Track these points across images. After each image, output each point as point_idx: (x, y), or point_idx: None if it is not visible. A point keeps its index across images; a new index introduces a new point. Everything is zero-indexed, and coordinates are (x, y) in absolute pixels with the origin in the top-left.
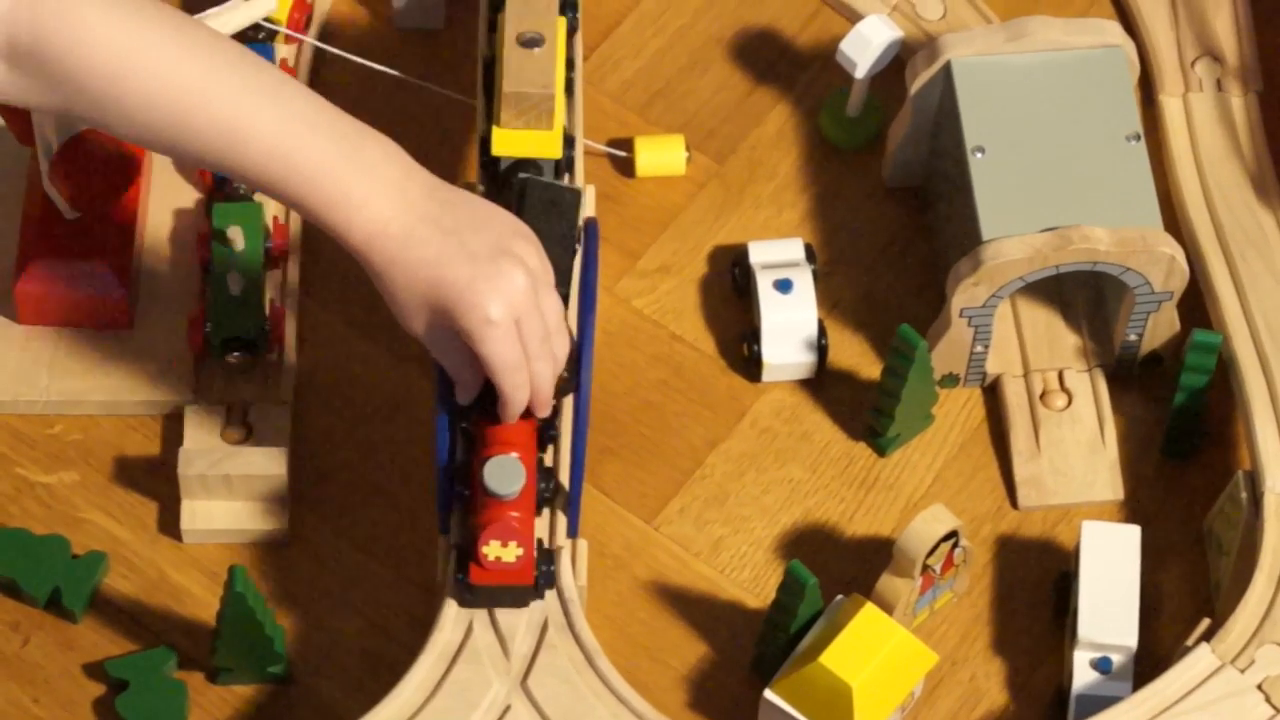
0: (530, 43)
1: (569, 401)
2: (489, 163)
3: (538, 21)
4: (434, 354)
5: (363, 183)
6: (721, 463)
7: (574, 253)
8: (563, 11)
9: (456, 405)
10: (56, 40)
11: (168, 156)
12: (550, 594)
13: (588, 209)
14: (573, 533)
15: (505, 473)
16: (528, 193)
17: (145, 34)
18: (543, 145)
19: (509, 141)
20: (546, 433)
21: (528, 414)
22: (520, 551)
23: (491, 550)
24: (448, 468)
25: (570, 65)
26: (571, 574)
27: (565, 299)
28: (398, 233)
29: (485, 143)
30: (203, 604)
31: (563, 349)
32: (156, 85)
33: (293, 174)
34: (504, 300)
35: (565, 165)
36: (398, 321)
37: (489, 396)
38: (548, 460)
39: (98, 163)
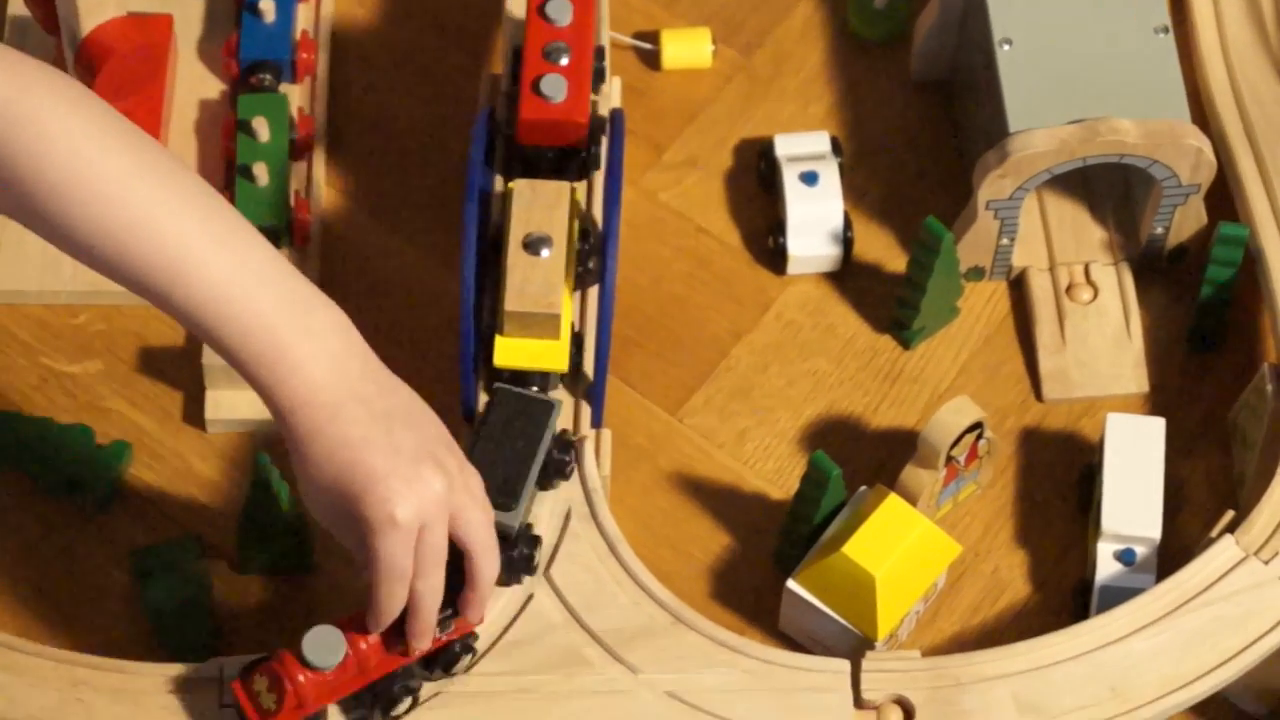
0: (536, 244)
1: (594, 292)
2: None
3: (547, 215)
4: (335, 535)
5: (302, 346)
6: (746, 355)
7: (531, 468)
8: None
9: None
10: (10, 146)
11: (111, 279)
12: (573, 483)
13: (614, 100)
14: (596, 423)
15: (325, 644)
16: (499, 401)
17: (102, 156)
18: (548, 357)
19: (512, 352)
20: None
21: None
22: (274, 701)
23: (259, 685)
24: (472, 357)
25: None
26: (595, 464)
27: (509, 518)
28: (327, 403)
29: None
30: (226, 493)
31: (489, 567)
32: (103, 209)
33: (230, 322)
34: (415, 505)
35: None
36: (301, 496)
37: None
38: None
39: (123, 52)
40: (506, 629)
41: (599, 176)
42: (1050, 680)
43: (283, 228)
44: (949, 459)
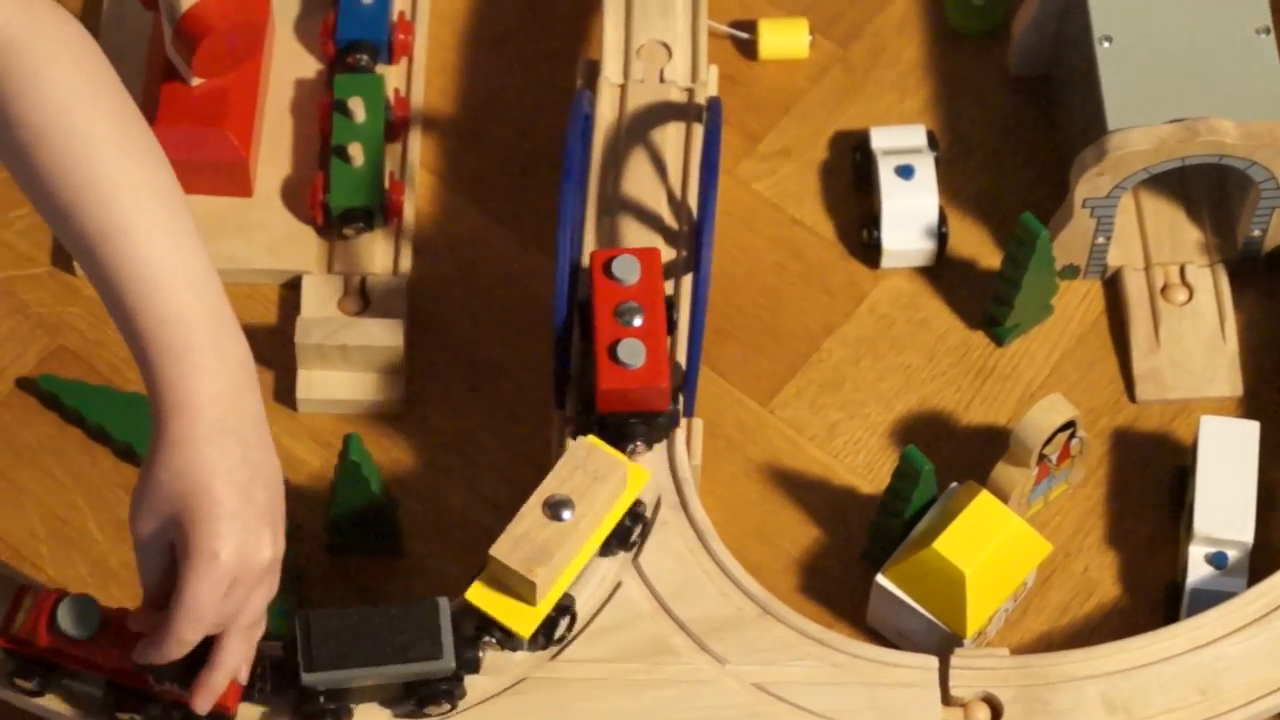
0: (558, 507)
1: (688, 280)
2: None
3: (586, 483)
4: (137, 554)
5: (210, 359)
6: (838, 348)
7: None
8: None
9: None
10: (11, 83)
11: (58, 234)
12: (664, 471)
13: (711, 89)
14: (689, 412)
15: (79, 614)
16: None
17: (88, 116)
18: (516, 618)
19: (484, 596)
20: None
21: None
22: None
23: (28, 601)
24: (565, 341)
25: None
26: (686, 453)
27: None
28: (212, 420)
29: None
30: (317, 474)
31: (234, 657)
32: (72, 162)
33: (153, 307)
34: (241, 554)
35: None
36: (137, 493)
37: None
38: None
39: (222, 29)
40: (594, 616)
41: (695, 165)
42: (1140, 682)
43: (376, 208)
44: (1041, 457)
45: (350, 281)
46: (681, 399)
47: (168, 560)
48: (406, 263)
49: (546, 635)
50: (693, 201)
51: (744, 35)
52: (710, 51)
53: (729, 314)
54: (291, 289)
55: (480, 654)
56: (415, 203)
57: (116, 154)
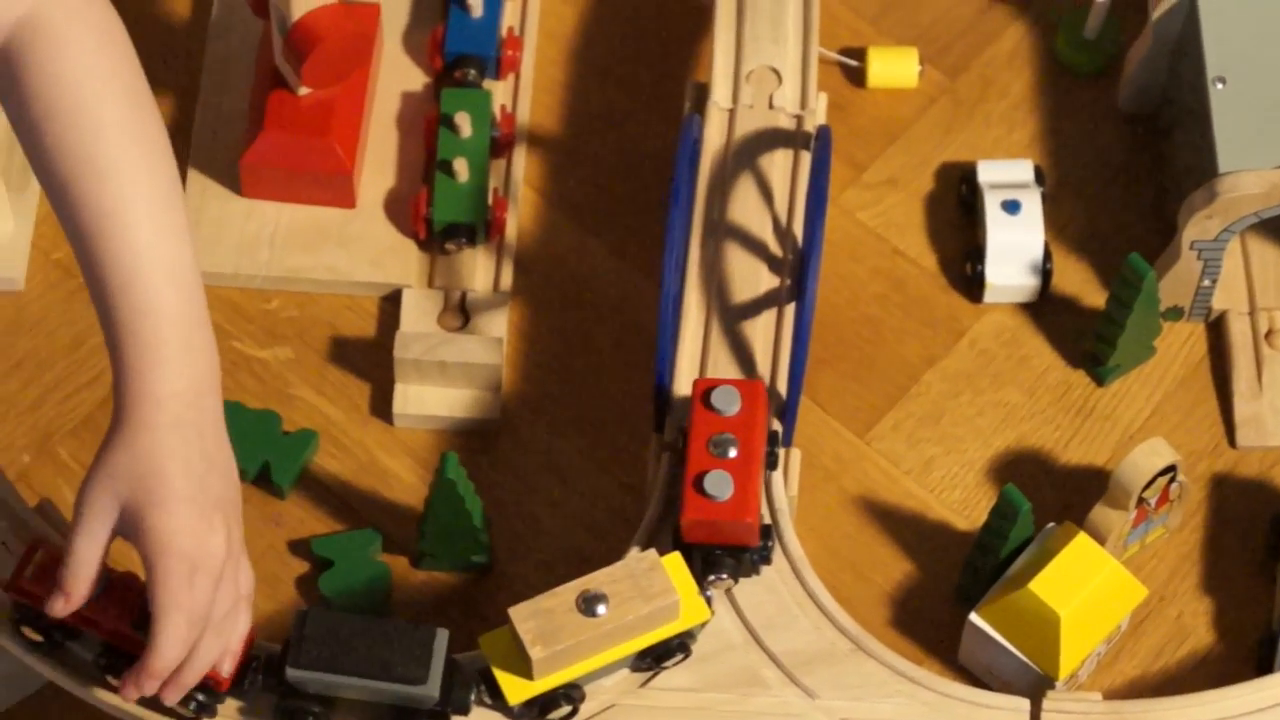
0: (593, 601)
1: (790, 309)
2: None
3: (629, 594)
4: (77, 522)
5: (178, 355)
6: (937, 381)
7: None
8: None
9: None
10: (33, 56)
11: (53, 208)
12: (761, 502)
13: (819, 117)
14: (787, 441)
15: None
16: (308, 621)
17: (99, 98)
18: (511, 682)
19: (495, 649)
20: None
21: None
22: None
23: (40, 558)
24: (668, 365)
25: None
26: (783, 483)
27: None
28: (173, 411)
29: None
30: (410, 488)
31: (170, 649)
32: (75, 137)
33: (133, 294)
34: (195, 538)
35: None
36: (93, 472)
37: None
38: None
39: (331, 41)
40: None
41: (801, 193)
42: None
43: (479, 224)
44: (1140, 501)
45: (450, 297)
46: (774, 534)
47: (105, 538)
48: (507, 280)
49: (541, 711)
50: (798, 229)
51: (853, 63)
52: (819, 78)
53: (829, 343)
54: (391, 302)
55: (472, 698)
56: (518, 220)
57: (121, 138)
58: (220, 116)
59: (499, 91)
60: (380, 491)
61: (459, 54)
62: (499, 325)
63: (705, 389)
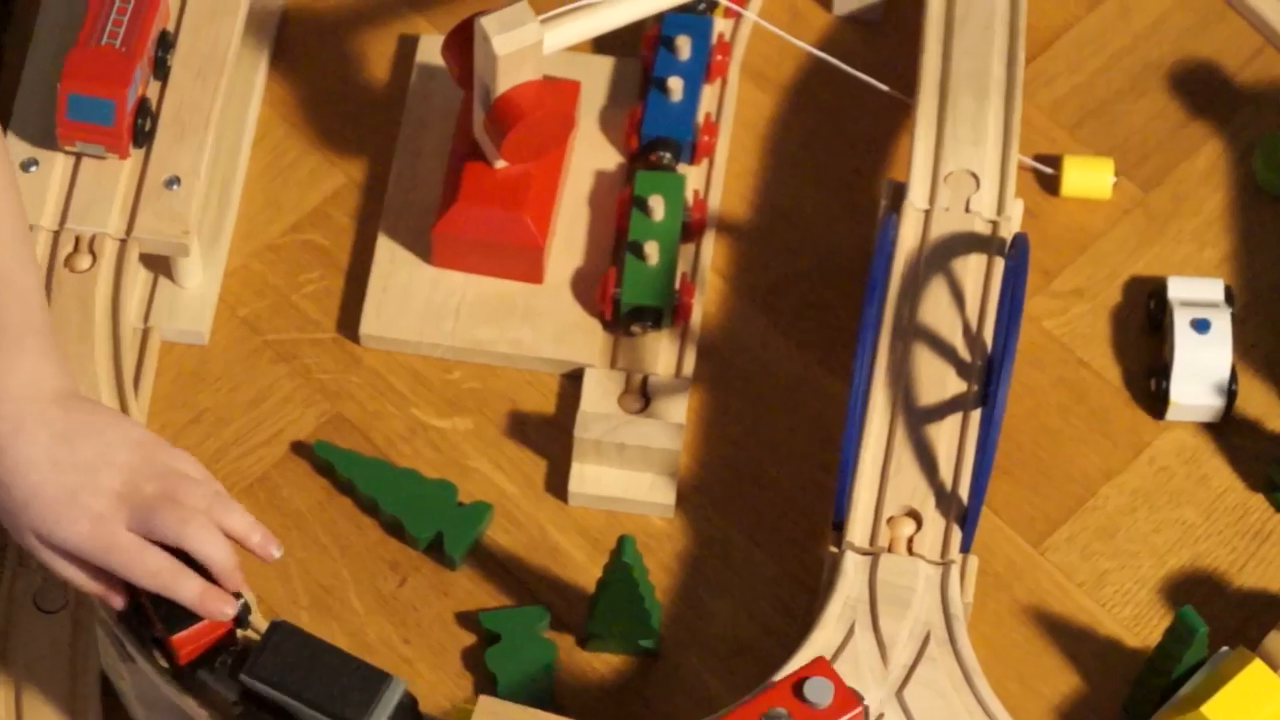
0: None
1: (976, 415)
2: None
3: None
4: (55, 573)
5: (10, 354)
6: (1115, 495)
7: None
8: None
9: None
10: None
11: None
12: (935, 605)
13: (1015, 224)
14: (966, 547)
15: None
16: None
17: None
18: None
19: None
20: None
21: None
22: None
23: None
24: (852, 461)
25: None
26: (959, 588)
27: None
28: (9, 417)
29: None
30: (580, 567)
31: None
32: None
33: None
34: (98, 509)
35: None
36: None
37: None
38: None
39: (534, 117)
40: None
41: (993, 298)
42: None
43: (666, 308)
44: None
45: (632, 379)
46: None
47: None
48: (690, 366)
49: None
50: (988, 335)
51: (1048, 170)
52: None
53: (1007, 450)
54: (572, 380)
55: None
56: (703, 306)
57: None
58: (413, 182)
59: (692, 176)
60: (551, 568)
61: (656, 137)
62: (679, 410)
63: (796, 681)
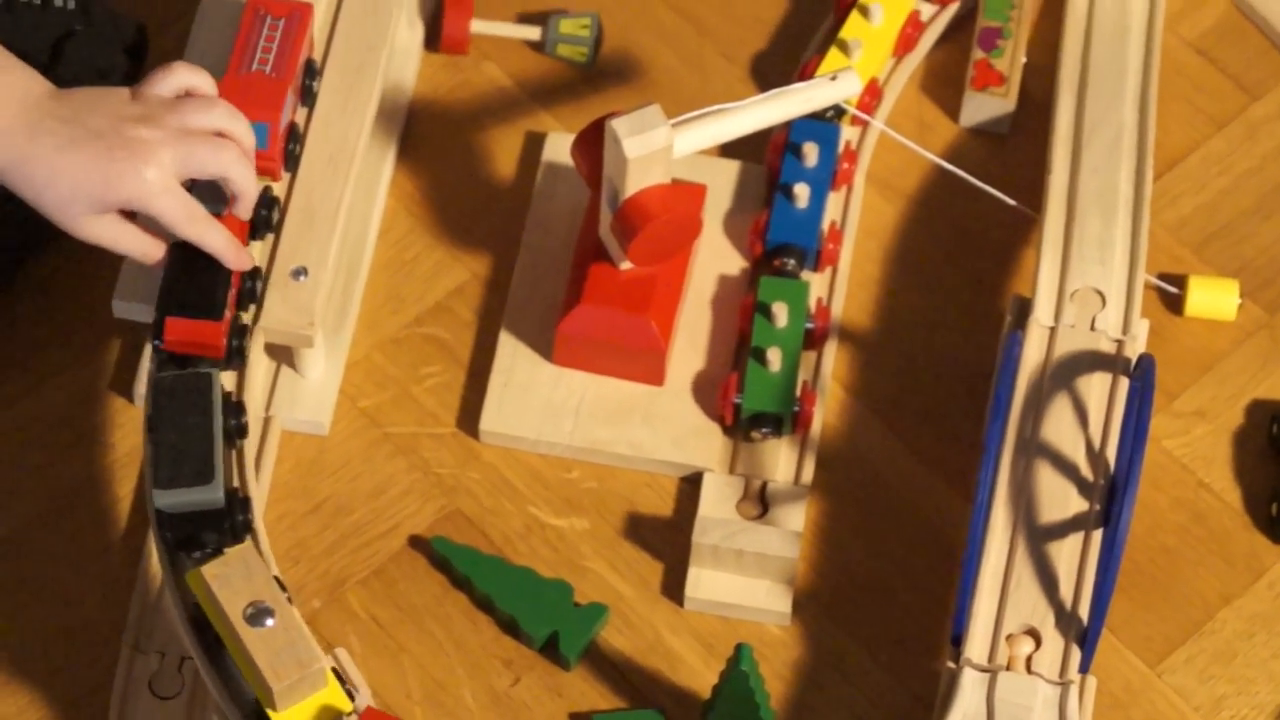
0: None
1: (1097, 535)
2: None
3: None
4: (110, 246)
5: None
6: (1233, 619)
7: (214, 438)
8: None
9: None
10: None
11: None
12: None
13: (1140, 344)
14: (1085, 667)
15: None
16: (159, 390)
17: None
18: None
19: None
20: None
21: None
22: None
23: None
24: (972, 578)
25: None
26: (1078, 709)
27: (210, 490)
28: (23, 128)
29: None
30: (694, 672)
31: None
32: None
33: None
34: (147, 158)
35: None
36: (69, 232)
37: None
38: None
39: (663, 220)
40: None
41: (1116, 418)
42: None
43: (787, 416)
44: None
45: (751, 485)
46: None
47: (131, 224)
48: (809, 473)
49: None
50: (1111, 454)
51: (1172, 289)
52: None
53: (1125, 569)
54: (690, 483)
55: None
56: (823, 414)
57: None
58: (536, 280)
59: (816, 283)
60: (664, 672)
61: (781, 243)
62: (797, 518)
63: None
